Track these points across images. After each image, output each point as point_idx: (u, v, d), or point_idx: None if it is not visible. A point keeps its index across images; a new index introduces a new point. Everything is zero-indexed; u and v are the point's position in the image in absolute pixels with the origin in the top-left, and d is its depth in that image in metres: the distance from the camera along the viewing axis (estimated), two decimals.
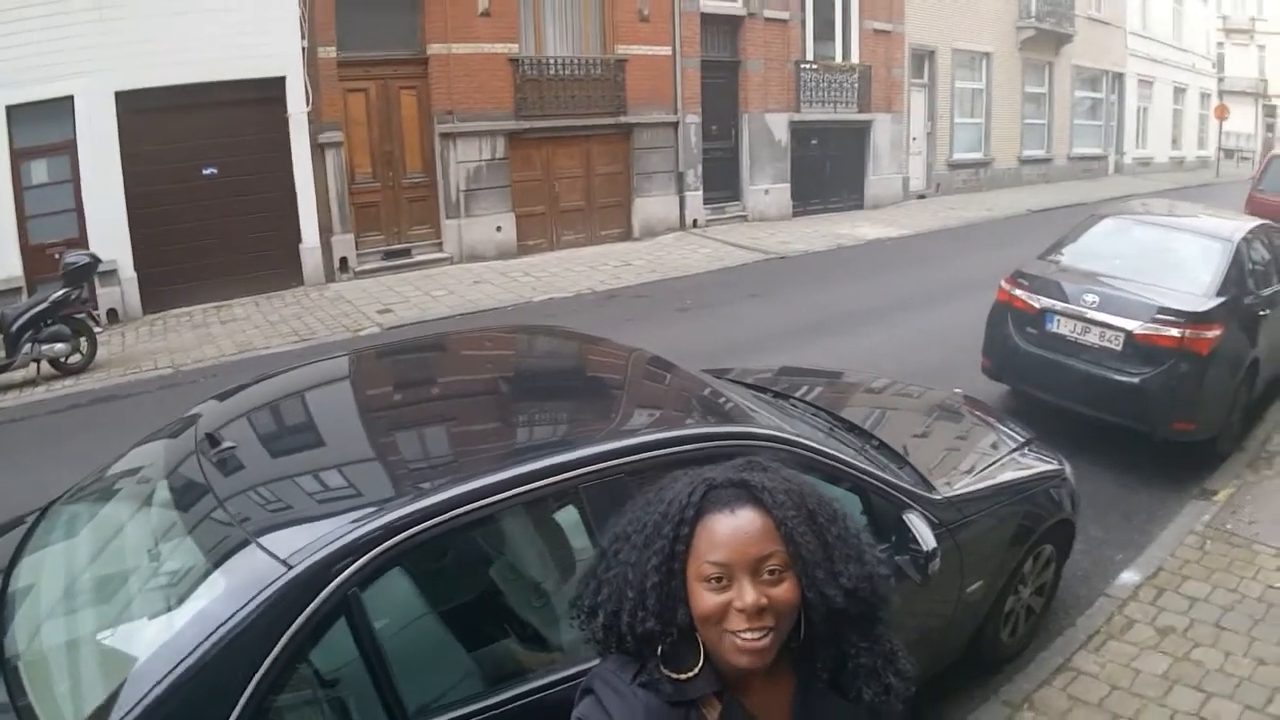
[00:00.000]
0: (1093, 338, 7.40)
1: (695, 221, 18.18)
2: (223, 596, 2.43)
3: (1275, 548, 6.05)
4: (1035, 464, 5.06)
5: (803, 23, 19.81)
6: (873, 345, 10.20)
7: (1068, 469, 5.19)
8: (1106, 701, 4.52)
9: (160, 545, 2.82)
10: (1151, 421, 7.21)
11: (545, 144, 15.99)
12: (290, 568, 2.46)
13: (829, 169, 20.73)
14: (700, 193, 18.33)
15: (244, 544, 2.59)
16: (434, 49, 14.57)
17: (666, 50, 17.30)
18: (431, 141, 14.95)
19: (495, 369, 4.48)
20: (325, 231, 13.72)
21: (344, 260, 13.99)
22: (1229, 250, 7.68)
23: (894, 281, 13.97)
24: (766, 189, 19.48)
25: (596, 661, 1.73)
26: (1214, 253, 7.68)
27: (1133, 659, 4.85)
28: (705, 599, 1.56)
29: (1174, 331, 7.03)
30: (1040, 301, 7.80)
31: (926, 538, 3.68)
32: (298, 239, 13.49)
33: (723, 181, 18.99)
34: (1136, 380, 7.12)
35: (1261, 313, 7.81)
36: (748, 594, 1.54)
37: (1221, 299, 7.28)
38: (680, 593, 1.60)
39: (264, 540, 2.58)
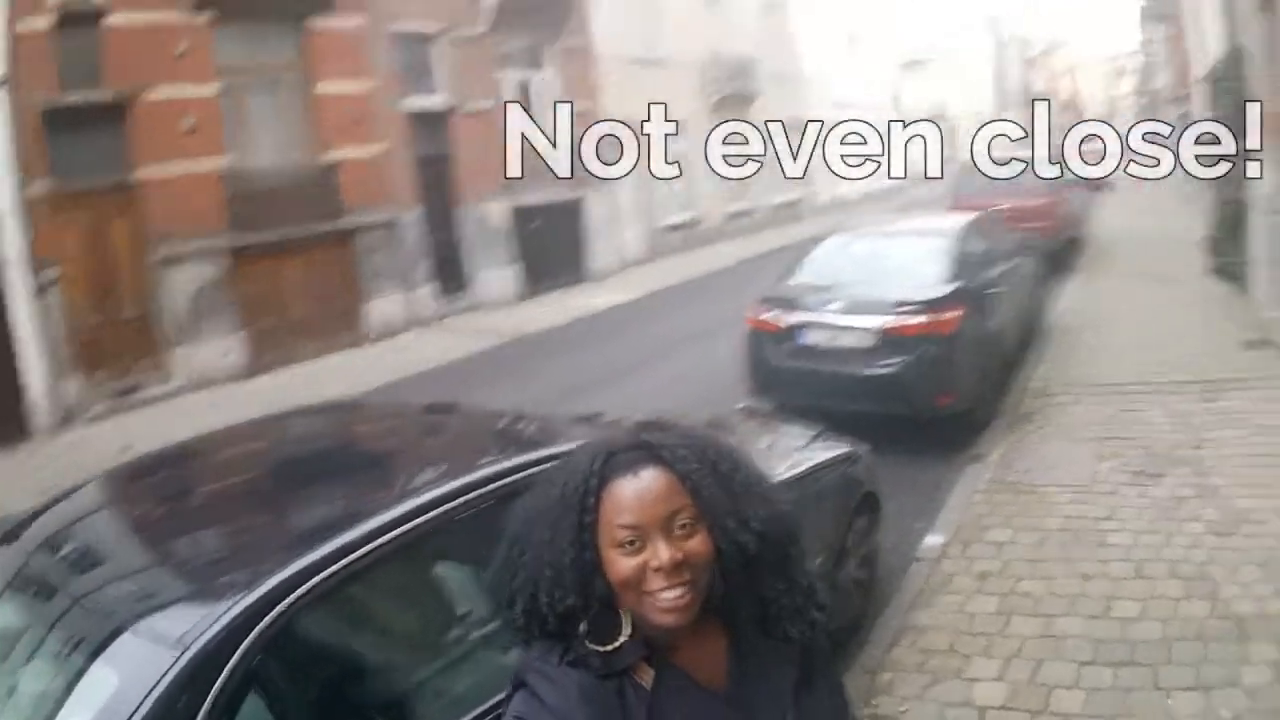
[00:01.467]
0: (845, 341, 7.90)
1: (430, 316, 18.01)
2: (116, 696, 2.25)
3: (1061, 485, 6.64)
4: (832, 450, 5.36)
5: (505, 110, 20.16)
6: (637, 397, 10.32)
7: (862, 448, 5.51)
8: (956, 645, 4.81)
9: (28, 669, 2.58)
10: (915, 403, 7.77)
11: (266, 257, 15.37)
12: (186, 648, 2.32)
13: (552, 247, 21.08)
14: (430, 287, 18.21)
15: (122, 635, 2.42)
16: (142, 173, 13.83)
17: (379, 150, 17.24)
18: (148, 269, 14.10)
19: (301, 446, 4.40)
20: (50, 378, 12.65)
21: (72, 406, 12.93)
22: (951, 242, 8.49)
23: (639, 339, 14.39)
24: (495, 275, 19.61)
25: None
26: (938, 247, 8.50)
27: (964, 605, 5.18)
28: (620, 564, 1.55)
29: (919, 319, 7.65)
30: (788, 320, 8.23)
31: None
32: (22, 390, 12.37)
33: (451, 273, 18.94)
34: (894, 370, 7.66)
35: (990, 291, 8.62)
36: (662, 551, 1.54)
37: (955, 284, 8.03)
38: (595, 563, 1.58)
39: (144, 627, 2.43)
